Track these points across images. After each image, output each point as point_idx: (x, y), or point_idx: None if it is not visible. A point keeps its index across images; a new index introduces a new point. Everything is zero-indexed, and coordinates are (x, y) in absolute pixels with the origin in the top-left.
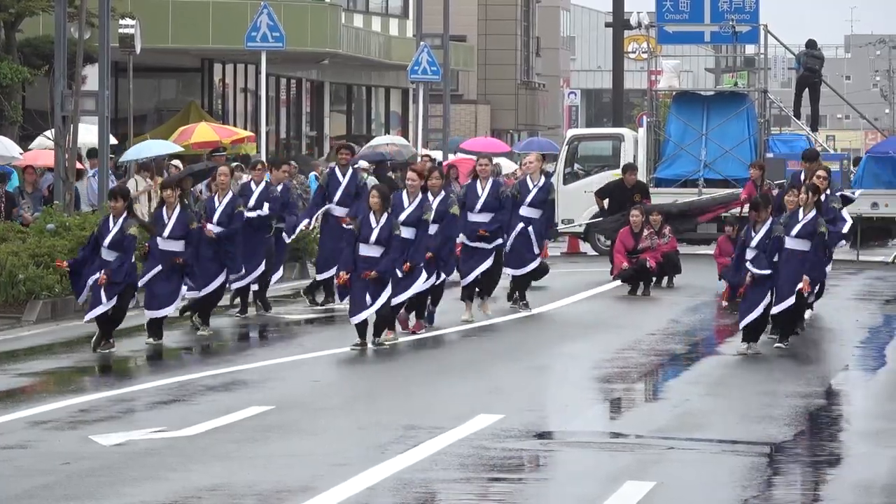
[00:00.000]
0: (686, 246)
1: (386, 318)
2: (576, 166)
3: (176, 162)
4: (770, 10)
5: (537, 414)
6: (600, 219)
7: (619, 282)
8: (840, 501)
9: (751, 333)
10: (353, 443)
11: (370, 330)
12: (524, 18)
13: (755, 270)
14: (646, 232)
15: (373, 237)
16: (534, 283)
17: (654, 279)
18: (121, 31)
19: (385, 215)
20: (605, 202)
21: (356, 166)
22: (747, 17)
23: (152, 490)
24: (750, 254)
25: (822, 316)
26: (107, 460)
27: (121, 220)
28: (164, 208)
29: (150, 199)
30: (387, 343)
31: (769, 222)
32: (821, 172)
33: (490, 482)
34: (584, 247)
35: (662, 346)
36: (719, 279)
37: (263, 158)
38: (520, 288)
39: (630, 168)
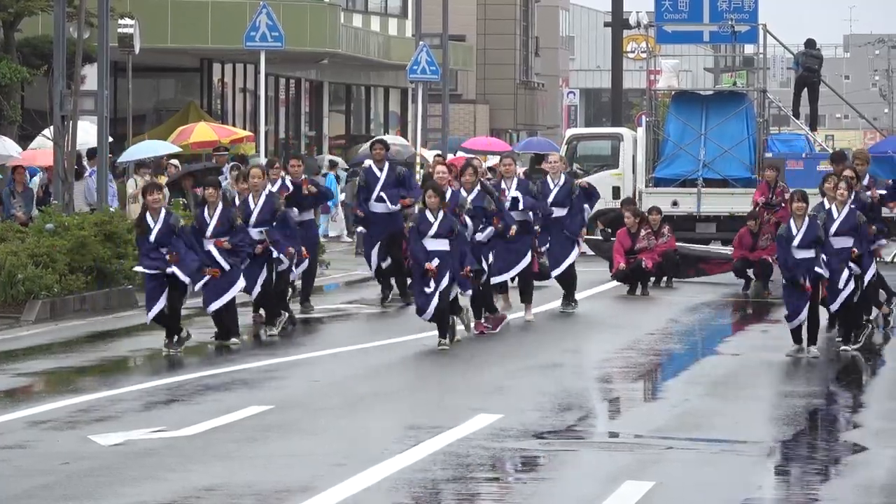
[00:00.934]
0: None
1: (443, 312)
2: (575, 166)
3: (174, 161)
4: (769, 9)
5: (537, 414)
6: (598, 238)
7: (617, 281)
8: (840, 501)
9: (800, 335)
10: (353, 443)
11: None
12: (523, 18)
13: (823, 273)
14: (643, 232)
15: (432, 232)
16: (535, 283)
17: (652, 279)
18: (120, 30)
19: (441, 212)
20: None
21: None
22: (746, 16)
23: (151, 490)
24: (799, 253)
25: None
26: (106, 460)
27: (163, 213)
28: (206, 207)
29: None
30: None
31: (809, 217)
32: (848, 173)
33: (489, 482)
34: (583, 247)
35: (661, 345)
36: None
37: (263, 159)
38: (566, 289)
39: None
